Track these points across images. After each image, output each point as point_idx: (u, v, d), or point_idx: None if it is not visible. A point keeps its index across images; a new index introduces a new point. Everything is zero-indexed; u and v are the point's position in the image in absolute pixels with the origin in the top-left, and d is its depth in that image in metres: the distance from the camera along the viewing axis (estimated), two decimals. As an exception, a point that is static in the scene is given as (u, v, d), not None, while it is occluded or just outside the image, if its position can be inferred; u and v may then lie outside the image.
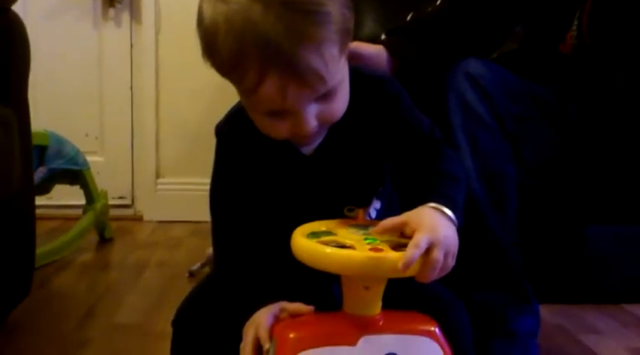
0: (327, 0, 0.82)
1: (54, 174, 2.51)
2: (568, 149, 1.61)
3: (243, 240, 0.99)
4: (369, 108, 0.98)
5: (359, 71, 0.97)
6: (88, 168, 2.67)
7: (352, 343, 0.81)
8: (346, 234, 0.86)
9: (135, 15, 3.23)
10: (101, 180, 2.85)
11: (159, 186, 3.26)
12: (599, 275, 1.95)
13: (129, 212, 3.30)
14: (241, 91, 0.89)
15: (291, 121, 0.87)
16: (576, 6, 1.54)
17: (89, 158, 2.73)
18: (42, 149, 2.42)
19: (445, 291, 1.04)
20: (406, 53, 1.45)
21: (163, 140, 3.27)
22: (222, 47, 0.83)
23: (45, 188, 2.57)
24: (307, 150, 0.98)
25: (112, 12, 3.21)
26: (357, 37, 1.29)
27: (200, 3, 0.88)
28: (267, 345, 0.84)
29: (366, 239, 0.84)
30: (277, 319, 0.88)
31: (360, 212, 0.95)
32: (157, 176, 3.27)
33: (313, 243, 0.81)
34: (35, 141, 2.26)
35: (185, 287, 2.05)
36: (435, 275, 0.81)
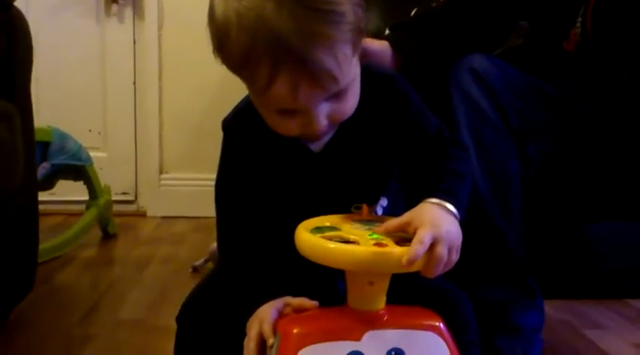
0: None
1: (57, 170, 2.52)
2: (572, 145, 1.61)
3: (248, 235, 0.99)
4: (378, 106, 0.98)
5: (369, 69, 0.96)
6: (91, 164, 2.67)
7: (357, 338, 0.81)
8: (350, 229, 0.86)
9: (138, 11, 3.23)
10: (104, 176, 2.85)
11: (162, 182, 3.26)
12: (602, 271, 1.94)
13: (132, 207, 3.30)
14: (252, 89, 0.88)
15: (302, 120, 0.87)
16: (580, 3, 1.53)
17: (92, 154, 2.73)
18: (45, 145, 2.43)
19: (449, 284, 1.04)
20: (410, 48, 1.44)
21: (166, 136, 3.27)
22: (234, 44, 0.82)
23: (48, 184, 2.57)
24: (316, 147, 0.97)
25: (114, 8, 3.21)
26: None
27: None
28: (270, 340, 0.84)
29: (370, 234, 0.83)
30: (281, 314, 0.87)
31: (365, 207, 0.94)
32: (161, 171, 3.27)
33: (317, 238, 0.81)
34: (38, 137, 2.25)
35: (188, 283, 2.05)
36: (439, 270, 0.81)
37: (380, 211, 1.02)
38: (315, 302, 0.88)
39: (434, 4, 1.61)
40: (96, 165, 2.74)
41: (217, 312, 0.99)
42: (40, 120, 2.13)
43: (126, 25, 3.24)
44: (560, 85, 1.56)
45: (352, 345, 0.81)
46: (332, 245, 0.79)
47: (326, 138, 0.96)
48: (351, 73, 0.86)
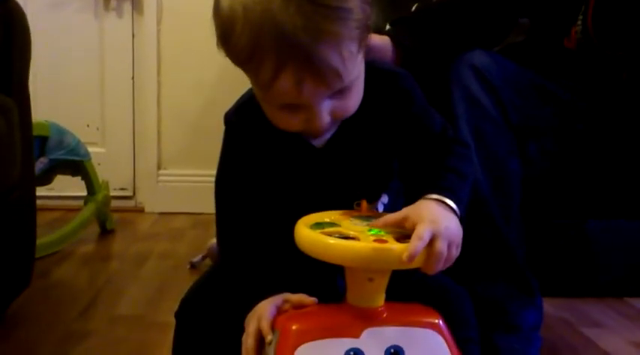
0: None
1: (55, 165, 2.51)
2: (572, 143, 1.60)
3: (248, 231, 0.98)
4: (382, 102, 0.97)
5: (373, 65, 0.96)
6: (89, 159, 2.66)
7: (355, 335, 0.81)
8: (350, 225, 0.86)
9: (136, 5, 3.22)
10: (102, 171, 2.84)
11: (160, 178, 3.26)
12: (602, 269, 1.95)
13: (130, 203, 3.29)
14: (256, 83, 0.87)
15: (305, 115, 0.86)
16: (581, 0, 1.53)
17: (90, 149, 2.72)
18: (43, 139, 2.42)
19: (449, 281, 1.03)
20: (410, 43, 1.44)
21: (165, 131, 3.26)
22: (239, 37, 0.82)
23: (46, 179, 2.56)
24: (318, 142, 0.97)
25: (113, 2, 3.20)
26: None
27: None
28: (269, 337, 0.84)
29: (369, 230, 0.83)
30: (280, 310, 0.87)
31: (364, 203, 0.94)
32: (159, 167, 3.26)
33: (317, 234, 0.80)
34: (36, 131, 2.25)
35: (186, 279, 2.05)
36: (440, 266, 0.80)
37: (381, 208, 1.02)
38: (314, 299, 0.88)
39: (434, 0, 1.60)
40: (94, 161, 2.73)
41: (216, 308, 0.98)
42: (37, 115, 2.12)
43: (124, 19, 3.23)
44: (560, 82, 1.56)
45: (351, 342, 0.80)
46: (332, 241, 0.78)
47: (328, 134, 0.95)
48: (355, 70, 0.86)
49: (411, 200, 0.90)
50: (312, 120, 0.86)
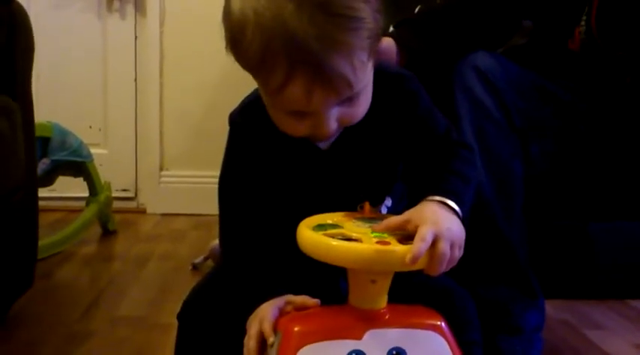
0: (361, 4, 0.80)
1: (57, 166, 2.51)
2: (575, 145, 1.60)
3: (251, 232, 0.98)
4: (387, 105, 0.97)
5: (379, 67, 0.95)
6: (92, 160, 2.66)
7: (358, 337, 0.81)
8: (353, 227, 0.85)
9: (139, 7, 3.23)
10: (104, 172, 2.84)
11: (162, 179, 3.26)
12: (604, 271, 1.94)
13: (132, 204, 3.29)
14: (265, 89, 0.87)
15: (312, 122, 0.86)
16: (585, 1, 1.53)
17: (92, 150, 2.72)
18: (45, 140, 2.42)
19: (451, 282, 1.03)
20: (414, 45, 1.44)
21: (167, 132, 3.26)
22: (250, 43, 0.81)
23: (48, 179, 2.56)
24: (323, 144, 0.96)
25: (116, 4, 3.21)
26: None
27: None
28: (271, 339, 0.83)
29: (372, 232, 0.83)
30: (282, 312, 0.87)
31: (367, 205, 0.93)
32: (161, 168, 3.27)
33: (320, 236, 0.80)
34: (39, 132, 2.25)
35: (188, 280, 2.05)
36: (443, 267, 0.80)
37: (384, 211, 1.01)
38: (316, 301, 0.87)
39: (438, 1, 1.60)
40: (96, 162, 2.73)
41: (219, 310, 0.98)
42: (40, 116, 2.12)
43: (127, 21, 3.24)
44: (563, 83, 1.56)
45: (353, 344, 0.80)
46: (335, 242, 0.78)
47: (333, 137, 0.95)
48: (365, 79, 0.85)
49: (414, 202, 0.90)
50: (319, 127, 0.86)
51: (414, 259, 0.76)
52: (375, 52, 0.86)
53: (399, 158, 1.03)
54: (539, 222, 1.86)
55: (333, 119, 0.86)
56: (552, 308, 1.78)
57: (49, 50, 3.02)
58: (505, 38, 1.63)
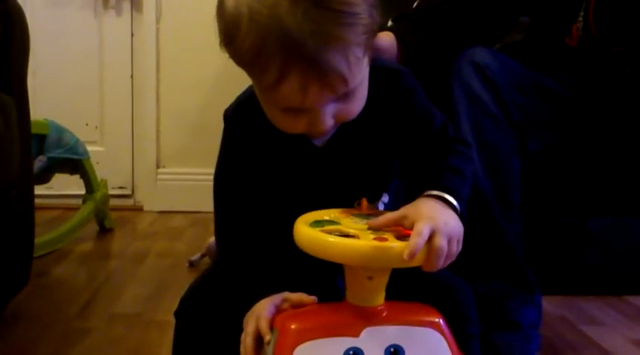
0: None
1: (53, 163, 2.50)
2: (574, 141, 1.60)
3: (247, 229, 0.97)
4: (383, 100, 0.96)
5: (374, 63, 0.94)
6: (88, 158, 2.66)
7: (355, 334, 0.80)
8: (349, 223, 0.85)
9: (135, 3, 3.21)
10: (101, 170, 2.84)
11: (159, 176, 3.25)
12: (601, 267, 1.94)
13: (129, 202, 3.29)
14: (259, 86, 0.86)
15: (307, 119, 0.85)
16: None
17: (89, 148, 2.71)
18: (41, 138, 2.41)
19: (450, 275, 1.03)
20: (412, 39, 1.44)
21: (164, 129, 3.25)
22: (244, 39, 0.80)
23: (45, 177, 2.55)
24: (319, 141, 0.96)
25: (112, 1, 3.19)
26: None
27: None
28: (267, 337, 0.83)
29: (369, 228, 0.82)
30: (279, 309, 0.86)
31: (364, 201, 0.93)
32: (158, 166, 3.26)
33: (316, 232, 0.80)
34: (35, 130, 2.24)
35: (185, 278, 2.05)
36: (441, 263, 0.80)
37: (382, 207, 1.01)
38: (313, 298, 0.87)
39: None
40: (93, 159, 2.72)
41: (216, 307, 0.98)
42: (37, 114, 2.12)
43: (124, 18, 3.22)
44: (562, 79, 1.56)
45: (350, 341, 0.80)
46: (331, 239, 0.78)
47: (330, 133, 0.95)
48: (360, 75, 0.85)
49: (410, 198, 0.90)
50: (315, 124, 0.85)
51: (411, 255, 0.75)
52: (370, 48, 0.85)
53: (395, 154, 1.02)
54: (539, 219, 1.86)
55: (329, 116, 0.85)
56: (550, 305, 1.78)
57: (45, 48, 3.03)
58: (502, 34, 1.63)
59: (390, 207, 1.01)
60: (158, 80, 3.23)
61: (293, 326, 0.81)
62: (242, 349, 0.86)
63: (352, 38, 0.79)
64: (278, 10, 0.77)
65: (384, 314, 0.83)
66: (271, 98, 0.85)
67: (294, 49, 0.77)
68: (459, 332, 0.87)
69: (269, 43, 0.78)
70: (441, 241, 0.79)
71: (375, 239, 0.78)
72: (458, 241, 0.83)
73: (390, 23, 1.49)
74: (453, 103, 1.41)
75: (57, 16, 3.17)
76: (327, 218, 0.87)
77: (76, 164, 2.61)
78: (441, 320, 0.84)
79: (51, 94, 3.10)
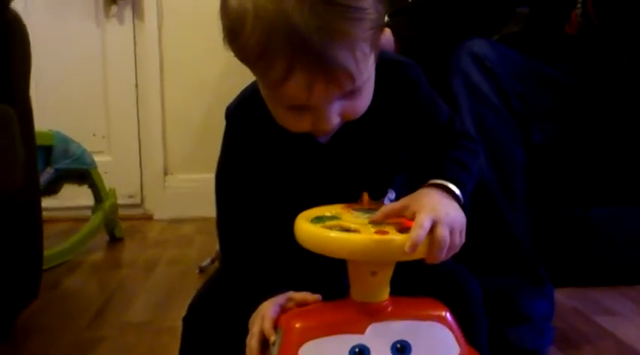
0: None
1: (61, 174, 2.51)
2: (576, 129, 1.59)
3: (250, 228, 0.96)
4: (388, 93, 0.95)
5: (379, 56, 0.94)
6: (96, 167, 2.66)
7: (360, 331, 0.79)
8: (351, 218, 0.84)
9: (137, 11, 3.23)
10: (110, 180, 2.84)
11: (167, 184, 3.25)
12: (611, 257, 1.93)
13: (139, 211, 3.29)
14: (264, 83, 0.85)
15: (313, 117, 0.84)
16: None
17: (97, 158, 2.73)
18: (48, 149, 2.42)
19: (455, 266, 1.01)
20: (409, 33, 1.43)
21: (170, 137, 3.27)
22: (249, 36, 0.79)
23: (53, 189, 2.56)
24: (323, 138, 0.94)
25: (114, 9, 3.21)
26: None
27: None
28: (272, 338, 0.82)
29: (371, 222, 0.81)
30: (284, 309, 0.85)
31: (365, 195, 0.92)
32: (165, 173, 3.26)
33: (317, 228, 0.78)
34: (40, 141, 2.25)
35: (196, 284, 2.02)
36: (443, 254, 0.78)
37: (387, 203, 1.00)
38: (318, 296, 0.86)
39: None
40: (101, 169, 2.74)
41: (223, 312, 0.97)
42: (43, 126, 2.13)
43: (125, 26, 3.24)
44: (562, 67, 1.54)
45: (356, 338, 0.78)
46: (332, 234, 0.76)
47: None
48: (367, 71, 0.83)
49: (413, 191, 0.89)
50: (321, 122, 0.84)
51: (413, 247, 0.74)
52: (377, 44, 0.84)
53: (401, 148, 1.01)
54: (546, 211, 1.85)
55: (335, 113, 0.84)
56: (562, 296, 1.76)
57: (49, 59, 3.05)
58: (500, 25, 1.62)
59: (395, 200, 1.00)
60: (162, 87, 3.24)
61: (297, 325, 0.79)
62: (247, 350, 0.85)
63: (359, 33, 0.78)
64: (284, 6, 0.75)
65: (389, 310, 0.81)
66: (276, 96, 0.84)
67: (301, 44, 0.76)
68: (466, 325, 0.86)
69: (275, 40, 0.77)
70: (442, 232, 0.77)
71: (375, 232, 0.77)
72: (461, 232, 0.81)
73: (386, 18, 1.48)
74: (454, 96, 1.40)
75: (59, 26, 3.19)
76: (328, 214, 0.85)
77: (83, 174, 2.62)
78: (447, 314, 0.83)
79: (56, 105, 3.12)
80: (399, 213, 0.82)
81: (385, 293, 0.82)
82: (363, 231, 0.78)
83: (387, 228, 0.78)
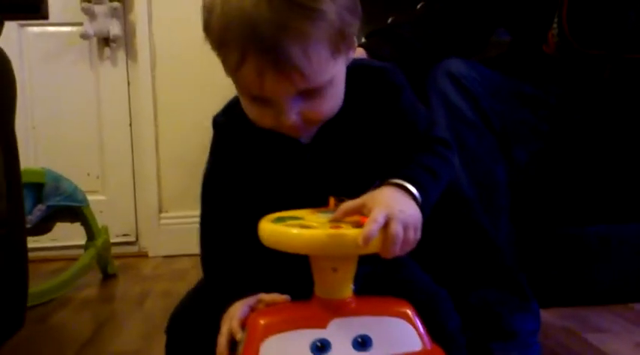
0: None
1: (53, 212, 2.50)
2: (560, 147, 1.59)
3: (231, 232, 0.99)
4: (369, 97, 0.97)
5: (362, 62, 0.97)
6: (87, 205, 2.67)
7: (322, 326, 0.80)
8: (313, 218, 0.85)
9: (130, 53, 3.27)
10: (104, 219, 2.86)
11: (162, 221, 3.26)
12: (604, 277, 1.91)
13: (134, 249, 3.30)
14: (225, 69, 0.89)
15: (273, 111, 0.87)
16: (555, 3, 1.53)
17: (91, 197, 2.74)
18: (39, 187, 2.42)
19: (433, 285, 1.02)
20: (385, 55, 1.44)
21: (164, 175, 3.28)
22: (214, 25, 0.84)
23: (46, 227, 2.56)
24: (305, 139, 0.96)
25: (107, 51, 3.25)
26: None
27: None
28: (238, 335, 0.83)
29: (331, 221, 0.82)
30: (253, 310, 0.86)
31: (331, 199, 0.93)
32: (160, 211, 3.27)
33: (274, 225, 0.80)
34: (31, 178, 2.27)
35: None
36: (397, 249, 0.79)
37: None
38: (286, 297, 0.87)
39: (410, 12, 1.61)
40: (95, 208, 2.74)
41: (204, 318, 0.97)
42: (38, 165, 2.13)
43: (119, 67, 3.28)
44: (542, 85, 1.55)
45: (317, 333, 0.79)
46: (290, 230, 0.78)
47: (312, 132, 0.95)
48: (327, 74, 0.86)
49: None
50: (280, 117, 0.87)
51: (366, 240, 0.75)
52: (342, 50, 0.87)
53: (381, 152, 1.02)
54: (535, 230, 1.84)
55: (294, 111, 0.86)
56: (551, 314, 1.76)
57: (44, 102, 3.10)
58: (479, 47, 1.64)
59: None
60: (156, 126, 3.26)
61: (260, 322, 0.81)
62: (217, 349, 0.86)
63: (312, 32, 0.81)
64: (246, 1, 0.81)
65: (353, 306, 0.82)
66: (237, 84, 0.88)
67: (252, 35, 0.80)
68: (443, 342, 0.87)
69: (232, 28, 0.82)
70: (396, 228, 0.78)
71: (331, 228, 0.78)
72: (415, 229, 0.82)
73: (363, 40, 1.50)
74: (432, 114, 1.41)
75: (53, 70, 3.23)
76: (291, 215, 0.86)
77: (75, 211, 2.62)
78: (410, 311, 0.84)
79: (51, 147, 3.16)
80: (357, 211, 0.83)
81: (348, 290, 0.83)
82: (319, 227, 0.79)
83: (343, 225, 0.80)
